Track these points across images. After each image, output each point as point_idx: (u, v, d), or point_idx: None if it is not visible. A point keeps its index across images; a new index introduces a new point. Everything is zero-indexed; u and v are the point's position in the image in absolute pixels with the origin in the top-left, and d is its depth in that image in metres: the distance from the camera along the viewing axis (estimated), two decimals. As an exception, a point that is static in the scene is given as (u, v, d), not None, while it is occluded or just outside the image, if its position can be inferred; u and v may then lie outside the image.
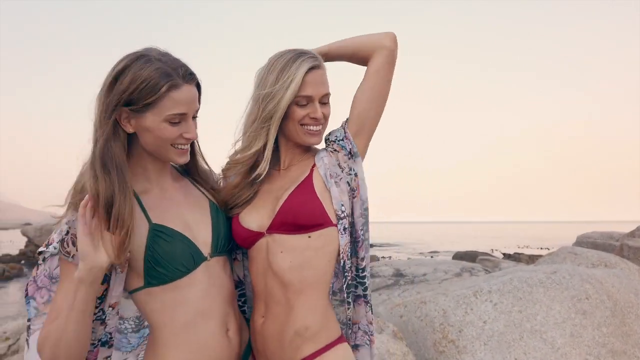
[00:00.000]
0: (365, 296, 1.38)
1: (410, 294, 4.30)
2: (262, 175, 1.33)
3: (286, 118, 1.32)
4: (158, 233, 1.20)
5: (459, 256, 16.12)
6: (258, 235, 1.32)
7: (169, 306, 1.20)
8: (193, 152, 1.35)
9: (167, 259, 1.19)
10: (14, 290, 16.47)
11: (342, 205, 1.31)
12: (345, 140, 1.37)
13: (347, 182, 1.35)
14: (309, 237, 1.28)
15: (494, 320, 3.12)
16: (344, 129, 1.40)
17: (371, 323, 1.39)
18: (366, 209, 1.37)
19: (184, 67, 1.20)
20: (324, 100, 1.35)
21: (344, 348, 1.31)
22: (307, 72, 1.28)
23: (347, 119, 1.41)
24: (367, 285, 1.37)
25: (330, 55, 1.42)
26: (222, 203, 1.37)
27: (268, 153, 1.32)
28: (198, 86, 1.24)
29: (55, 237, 1.20)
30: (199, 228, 1.28)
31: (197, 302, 1.22)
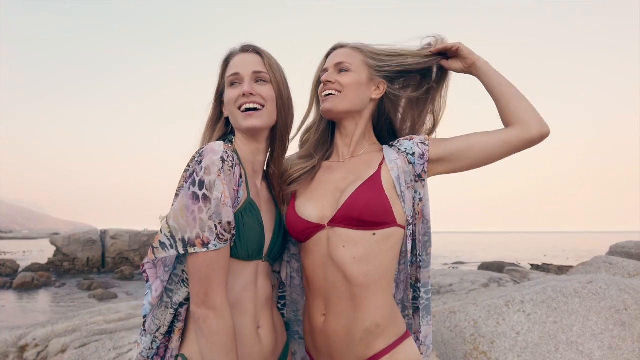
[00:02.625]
0: (416, 309, 1.39)
1: (437, 305, 4.20)
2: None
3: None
4: (250, 208, 1.23)
5: (485, 267, 15.80)
6: (318, 228, 1.31)
7: None
8: (272, 156, 1.42)
9: (243, 236, 1.21)
10: (44, 298, 16.82)
11: (412, 211, 1.32)
12: (416, 157, 1.34)
13: (412, 197, 1.34)
14: (374, 234, 1.27)
15: (527, 331, 3.01)
16: (423, 144, 1.36)
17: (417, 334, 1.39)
18: (429, 228, 1.35)
19: (245, 43, 1.35)
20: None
21: (412, 342, 1.32)
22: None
23: (428, 138, 1.38)
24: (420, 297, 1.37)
25: (478, 72, 1.37)
26: (283, 172, 1.43)
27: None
28: (258, 53, 1.35)
29: (206, 235, 1.13)
30: (267, 229, 1.31)
31: (237, 293, 1.23)
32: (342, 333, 1.27)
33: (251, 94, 1.28)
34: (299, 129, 1.48)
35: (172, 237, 1.16)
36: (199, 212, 1.13)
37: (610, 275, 3.73)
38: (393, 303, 1.31)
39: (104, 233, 28.53)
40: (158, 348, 1.24)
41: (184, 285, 1.21)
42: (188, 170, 1.20)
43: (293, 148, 1.49)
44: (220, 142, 1.22)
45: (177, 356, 1.21)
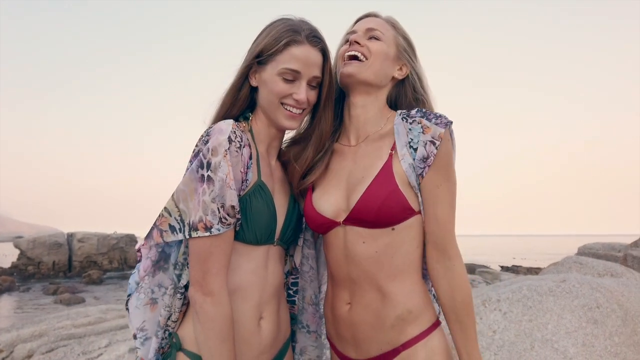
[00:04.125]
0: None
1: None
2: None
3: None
4: (259, 190, 1.19)
5: (456, 269, 16.07)
6: (334, 224, 1.27)
7: None
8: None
9: (251, 218, 1.17)
10: (6, 303, 16.20)
11: None
12: (417, 157, 1.21)
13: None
14: (393, 229, 1.22)
15: (504, 329, 3.05)
16: (433, 144, 1.19)
17: None
18: None
19: (312, 30, 1.22)
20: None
21: (442, 331, 1.28)
22: None
23: (442, 136, 1.19)
24: None
25: None
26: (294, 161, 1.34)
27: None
28: (324, 53, 1.25)
29: (208, 219, 1.10)
30: (279, 212, 1.27)
31: (244, 277, 1.20)
32: (371, 321, 1.24)
33: (303, 102, 1.24)
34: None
35: (182, 221, 1.13)
36: (202, 195, 1.10)
37: (581, 275, 3.83)
38: (424, 289, 1.27)
39: (70, 236, 27.76)
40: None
41: (188, 268, 1.19)
42: (195, 149, 1.16)
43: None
44: (230, 121, 1.17)
45: (171, 334, 1.19)
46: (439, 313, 1.32)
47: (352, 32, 1.33)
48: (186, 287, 1.20)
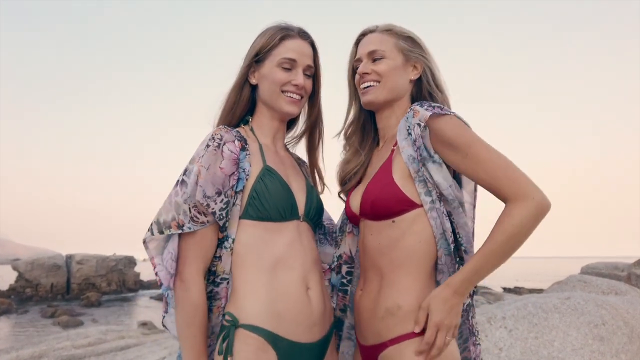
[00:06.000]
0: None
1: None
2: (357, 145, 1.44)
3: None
4: (268, 173, 1.30)
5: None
6: (357, 217, 1.36)
7: (258, 244, 1.26)
8: (312, 146, 1.51)
9: (268, 197, 1.27)
10: (4, 325, 16.01)
11: (434, 185, 1.23)
12: (410, 142, 1.24)
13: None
14: (393, 221, 1.25)
15: (510, 347, 3.03)
16: (418, 126, 1.22)
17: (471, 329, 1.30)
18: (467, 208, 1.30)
19: (301, 28, 1.39)
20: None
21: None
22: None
23: (427, 120, 1.21)
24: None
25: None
26: (338, 181, 1.48)
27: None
28: (313, 47, 1.40)
29: (180, 218, 1.21)
30: (297, 190, 1.36)
31: (282, 249, 1.27)
32: (369, 309, 1.27)
33: (302, 87, 1.37)
34: (343, 126, 1.49)
35: (155, 221, 1.25)
36: (175, 196, 1.22)
37: (586, 293, 3.82)
38: (424, 290, 1.23)
39: (69, 258, 27.57)
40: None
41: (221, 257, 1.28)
42: None
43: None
44: (217, 128, 1.30)
45: (224, 314, 1.24)
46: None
47: (357, 60, 1.41)
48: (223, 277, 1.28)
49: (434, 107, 1.24)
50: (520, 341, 3.06)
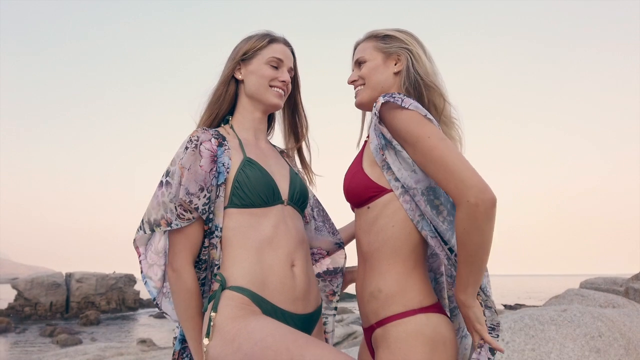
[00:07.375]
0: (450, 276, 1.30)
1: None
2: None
3: None
4: (248, 164, 1.41)
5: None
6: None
7: (244, 227, 1.36)
8: (296, 138, 1.65)
9: (250, 185, 1.37)
10: (2, 344, 15.86)
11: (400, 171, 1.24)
12: (371, 129, 1.33)
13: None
14: (368, 207, 1.31)
15: (507, 359, 3.05)
16: (375, 114, 1.26)
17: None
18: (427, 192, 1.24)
19: (284, 37, 1.57)
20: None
21: (432, 318, 1.21)
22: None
23: (380, 104, 1.24)
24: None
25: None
26: None
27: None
28: (293, 53, 1.58)
29: (168, 216, 1.32)
30: (280, 177, 1.47)
31: (268, 230, 1.38)
32: (359, 293, 1.35)
33: (287, 83, 1.54)
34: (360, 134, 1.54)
35: (142, 220, 1.36)
36: (161, 197, 1.33)
37: (583, 306, 3.84)
38: (405, 273, 1.25)
39: (69, 276, 27.44)
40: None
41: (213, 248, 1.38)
42: None
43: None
44: (195, 130, 1.42)
45: (215, 274, 1.33)
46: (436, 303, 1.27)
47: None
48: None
49: (393, 97, 1.22)
50: (517, 353, 3.08)
